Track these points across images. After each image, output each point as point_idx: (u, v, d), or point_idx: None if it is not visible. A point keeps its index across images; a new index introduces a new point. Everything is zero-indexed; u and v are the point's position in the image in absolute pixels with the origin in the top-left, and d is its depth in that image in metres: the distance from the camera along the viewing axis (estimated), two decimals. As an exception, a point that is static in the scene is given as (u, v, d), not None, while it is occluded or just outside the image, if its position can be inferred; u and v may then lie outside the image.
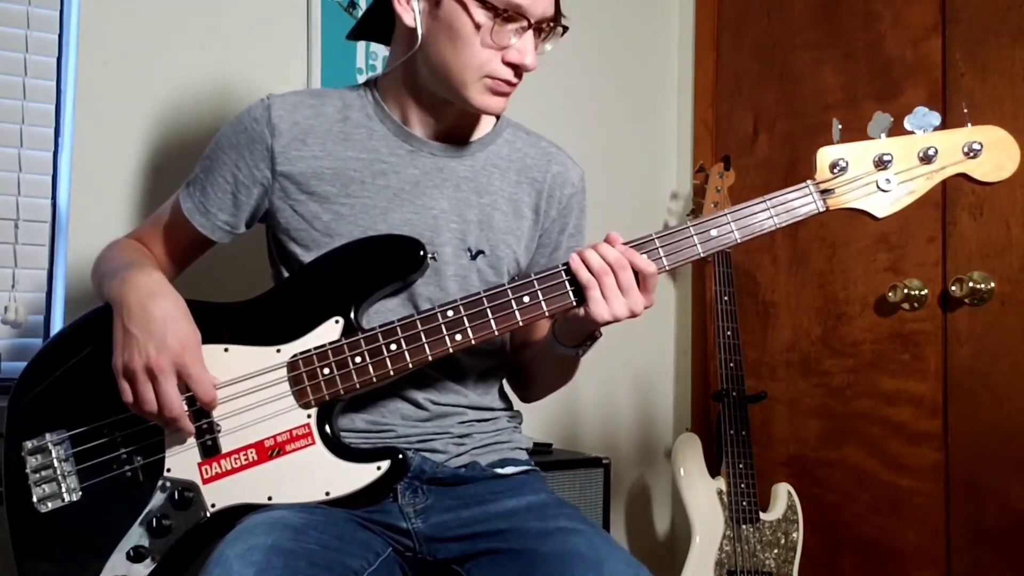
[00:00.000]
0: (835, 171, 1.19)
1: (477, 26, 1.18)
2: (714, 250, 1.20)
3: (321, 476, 1.16)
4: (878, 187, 1.19)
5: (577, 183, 1.41)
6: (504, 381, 1.44)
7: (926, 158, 1.18)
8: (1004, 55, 1.89)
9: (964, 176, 1.20)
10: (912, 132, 1.20)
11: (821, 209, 1.20)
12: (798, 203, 1.20)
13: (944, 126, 1.20)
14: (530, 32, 1.20)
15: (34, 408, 1.22)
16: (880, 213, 1.20)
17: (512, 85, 1.23)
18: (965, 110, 1.21)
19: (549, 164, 1.38)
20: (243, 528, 1.10)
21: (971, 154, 1.18)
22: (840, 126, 1.21)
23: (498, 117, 1.40)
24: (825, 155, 1.20)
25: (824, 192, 1.20)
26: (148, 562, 1.15)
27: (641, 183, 2.57)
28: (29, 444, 1.20)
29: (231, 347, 1.21)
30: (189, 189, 1.32)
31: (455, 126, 1.32)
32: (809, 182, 1.20)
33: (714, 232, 1.19)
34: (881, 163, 1.19)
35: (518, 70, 1.22)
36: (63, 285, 1.81)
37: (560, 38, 1.28)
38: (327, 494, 1.16)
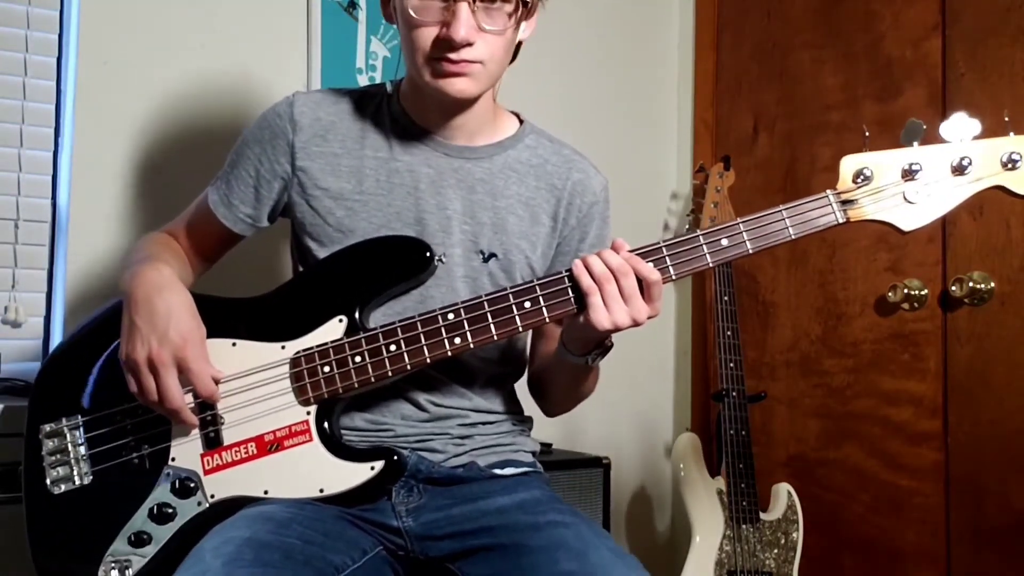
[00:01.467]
0: (859, 181, 1.13)
1: (412, 7, 1.17)
2: (724, 261, 1.15)
3: (316, 473, 1.17)
4: (905, 199, 1.12)
5: (599, 192, 1.38)
6: (516, 387, 1.43)
7: (959, 169, 1.11)
8: (1004, 55, 1.89)
9: (1001, 189, 1.12)
10: (947, 140, 1.12)
11: (841, 221, 1.14)
12: (816, 214, 1.14)
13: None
14: (462, 5, 1.15)
15: (53, 394, 1.26)
16: (907, 226, 1.13)
17: (455, 63, 1.17)
18: (1007, 118, 1.11)
19: (570, 171, 1.37)
20: (229, 521, 1.12)
21: (1010, 165, 1.10)
22: (868, 133, 1.14)
23: (521, 120, 1.39)
24: (849, 164, 1.14)
25: (845, 203, 1.14)
26: (149, 547, 1.17)
27: (641, 183, 2.57)
28: (47, 428, 1.23)
29: (239, 342, 1.22)
30: (217, 183, 1.35)
31: (464, 125, 1.31)
32: (829, 192, 1.14)
33: (725, 242, 1.14)
34: (910, 173, 1.12)
35: (452, 46, 1.17)
36: (63, 285, 1.81)
37: (529, 15, 1.26)
38: (321, 491, 1.17)
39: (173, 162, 1.89)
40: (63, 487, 1.21)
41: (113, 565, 1.17)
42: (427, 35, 1.18)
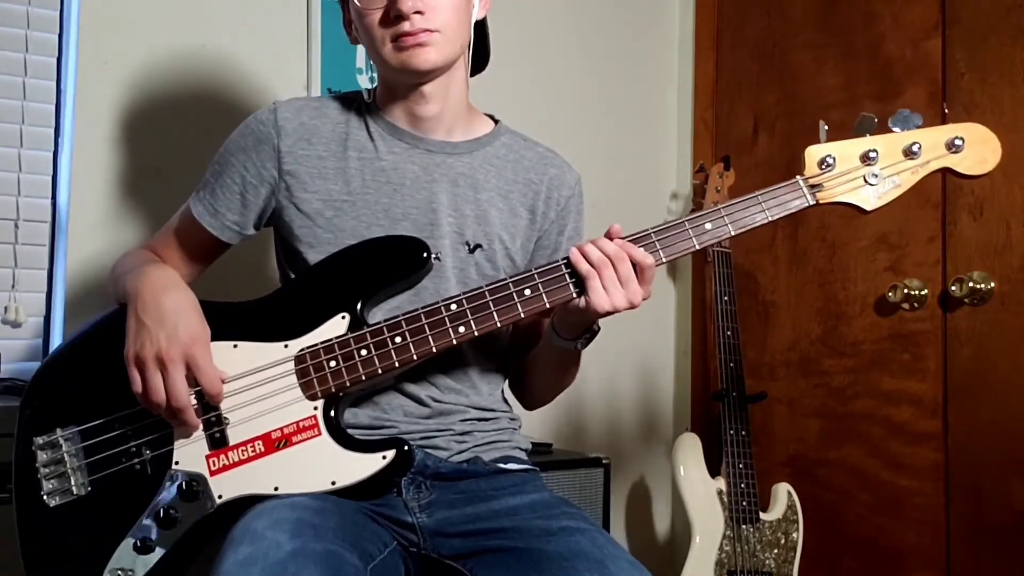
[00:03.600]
0: (823, 167, 1.24)
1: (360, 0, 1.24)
2: (709, 243, 1.23)
3: (327, 466, 1.17)
4: (865, 181, 1.24)
5: (573, 186, 1.43)
6: (506, 388, 1.45)
7: (910, 153, 1.23)
8: (1004, 55, 1.89)
9: (948, 170, 1.24)
10: (895, 131, 1.25)
11: (811, 203, 1.24)
12: (789, 197, 1.24)
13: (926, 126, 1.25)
14: None
15: (45, 405, 1.23)
16: (868, 206, 1.24)
17: (412, 34, 1.23)
18: (946, 110, 1.25)
19: (546, 167, 1.41)
20: (262, 507, 1.10)
21: (953, 149, 1.23)
22: (827, 127, 1.26)
23: (495, 120, 1.42)
24: (813, 153, 1.25)
25: (813, 187, 1.24)
26: (155, 553, 1.16)
27: (641, 183, 2.57)
28: (40, 439, 1.21)
29: (240, 343, 1.22)
30: (199, 194, 1.35)
31: (440, 117, 1.33)
32: (799, 177, 1.25)
33: (708, 226, 1.22)
34: (867, 159, 1.24)
35: (402, 17, 1.22)
36: (63, 285, 1.81)
37: None
38: (333, 484, 1.16)
39: (173, 162, 1.89)
40: (59, 499, 1.19)
41: (119, 573, 1.15)
42: (379, 17, 1.24)
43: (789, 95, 2.36)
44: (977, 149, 1.24)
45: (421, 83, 1.30)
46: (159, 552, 1.16)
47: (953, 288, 1.93)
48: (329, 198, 1.30)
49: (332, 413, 1.19)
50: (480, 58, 1.41)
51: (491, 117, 1.44)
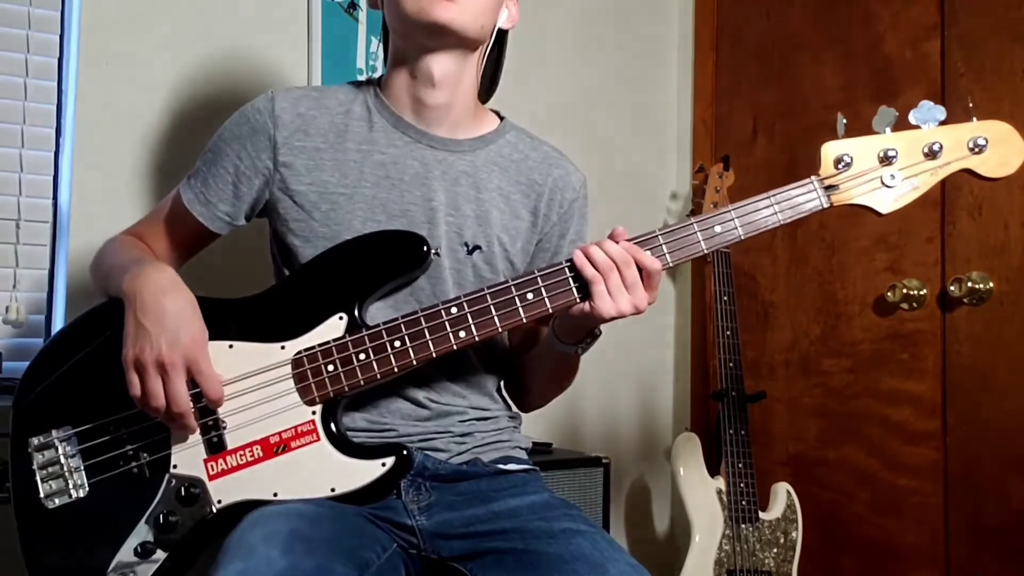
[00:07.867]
0: (839, 167, 1.18)
1: None
2: (718, 246, 1.18)
3: (326, 472, 1.16)
4: (883, 183, 1.18)
5: (578, 188, 1.40)
6: (503, 388, 1.44)
7: (931, 153, 1.17)
8: (1004, 55, 1.89)
9: (969, 172, 1.18)
10: (917, 126, 1.18)
11: (825, 205, 1.18)
12: (802, 199, 1.19)
13: (948, 121, 1.19)
14: None
15: (40, 404, 1.22)
16: (884, 209, 1.19)
17: None
18: (970, 104, 1.21)
19: (550, 168, 1.38)
20: (258, 516, 1.09)
21: (976, 149, 1.17)
22: (845, 121, 1.19)
23: (500, 116, 1.40)
24: (829, 150, 1.19)
25: (828, 188, 1.19)
26: (155, 558, 1.15)
27: (641, 183, 2.57)
28: (35, 440, 1.20)
29: (236, 344, 1.21)
30: (190, 181, 1.33)
31: (449, 108, 1.30)
32: (814, 178, 1.19)
33: (718, 228, 1.18)
34: (886, 159, 1.18)
35: None
36: (64, 285, 1.82)
37: None
38: (332, 490, 1.16)
39: (174, 162, 1.89)
40: (57, 501, 1.18)
41: None
42: None
43: (789, 95, 2.36)
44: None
45: (432, 50, 1.25)
46: (159, 556, 1.15)
47: (952, 288, 1.93)
48: (325, 190, 1.27)
49: (331, 418, 1.18)
50: (490, 79, 1.39)
51: (496, 113, 1.41)
